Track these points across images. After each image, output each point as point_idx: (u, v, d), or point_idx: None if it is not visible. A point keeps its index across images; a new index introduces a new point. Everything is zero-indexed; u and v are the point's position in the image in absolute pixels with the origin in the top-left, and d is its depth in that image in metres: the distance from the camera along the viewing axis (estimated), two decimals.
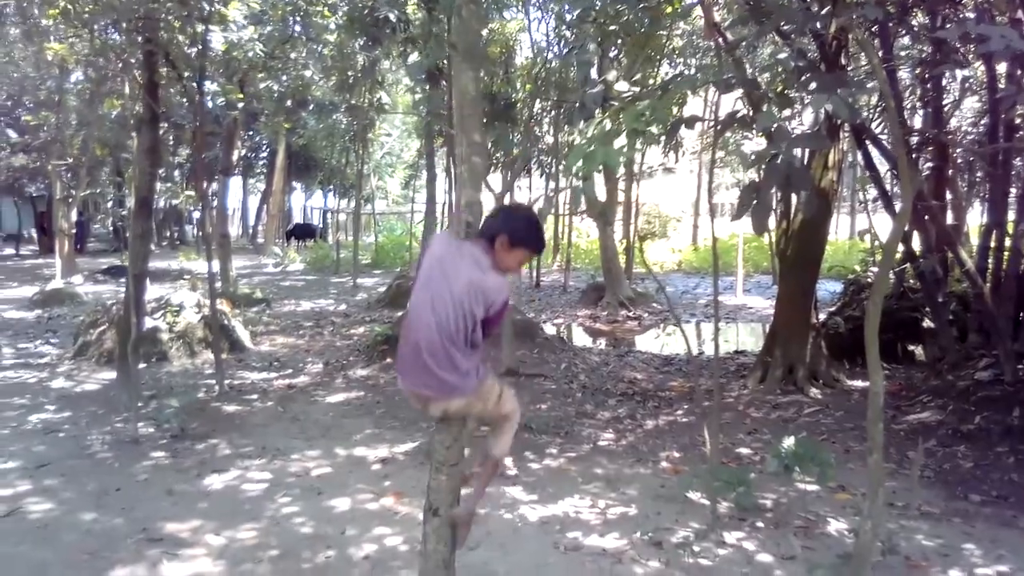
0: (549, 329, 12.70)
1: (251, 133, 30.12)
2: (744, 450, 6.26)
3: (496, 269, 2.83)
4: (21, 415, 7.37)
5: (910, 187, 3.93)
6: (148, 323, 10.12)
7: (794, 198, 8.26)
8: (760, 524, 4.73)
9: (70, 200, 19.24)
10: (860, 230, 28.71)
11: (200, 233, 30.37)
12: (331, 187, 35.13)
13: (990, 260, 8.21)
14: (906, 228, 6.88)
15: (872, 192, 13.88)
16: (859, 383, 8.47)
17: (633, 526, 4.67)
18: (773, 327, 8.97)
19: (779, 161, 4.48)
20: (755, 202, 4.89)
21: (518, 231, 2.81)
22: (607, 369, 9.62)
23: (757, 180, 4.93)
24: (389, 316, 13.31)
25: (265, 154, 35.17)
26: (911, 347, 9.40)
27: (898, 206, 9.47)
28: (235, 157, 17.26)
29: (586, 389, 8.42)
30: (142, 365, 9.57)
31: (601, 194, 15.80)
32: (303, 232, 32.91)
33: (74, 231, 22.26)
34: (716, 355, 5.36)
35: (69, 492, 5.30)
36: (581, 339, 12.76)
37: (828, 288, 14.06)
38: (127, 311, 7.51)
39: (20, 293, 17.24)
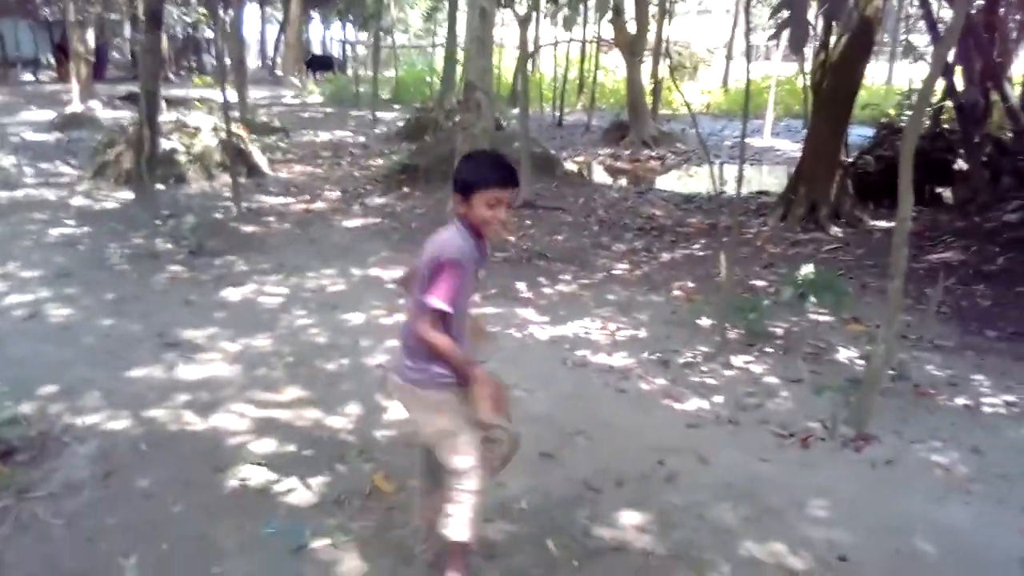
0: (570, 167, 12.47)
1: None
2: (758, 282, 6.22)
3: (464, 229, 2.31)
4: (41, 228, 7.44)
5: (963, 3, 3.62)
6: (165, 144, 10.00)
7: (834, 26, 7.76)
8: (769, 350, 4.75)
9: (85, 23, 18.61)
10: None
11: (216, 61, 29.61)
12: (350, 18, 33.69)
13: None
14: (950, 59, 6.46)
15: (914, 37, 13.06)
16: (882, 223, 8.29)
17: (641, 347, 4.71)
18: (800, 165, 8.72)
19: None
20: (788, 19, 4.60)
21: (463, 177, 2.32)
22: (626, 205, 9.49)
23: None
24: (408, 148, 13.09)
25: None
26: (940, 190, 9.10)
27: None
28: None
29: (603, 223, 8.33)
30: (160, 186, 9.56)
31: (631, 28, 15.01)
32: (321, 64, 31.87)
33: (92, 58, 21.73)
34: (740, 186, 5.21)
35: (88, 299, 5.40)
36: (601, 177, 12.54)
37: (860, 133, 13.58)
38: (141, 130, 7.38)
39: (39, 116, 17.07)
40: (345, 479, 3.15)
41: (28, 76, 29.88)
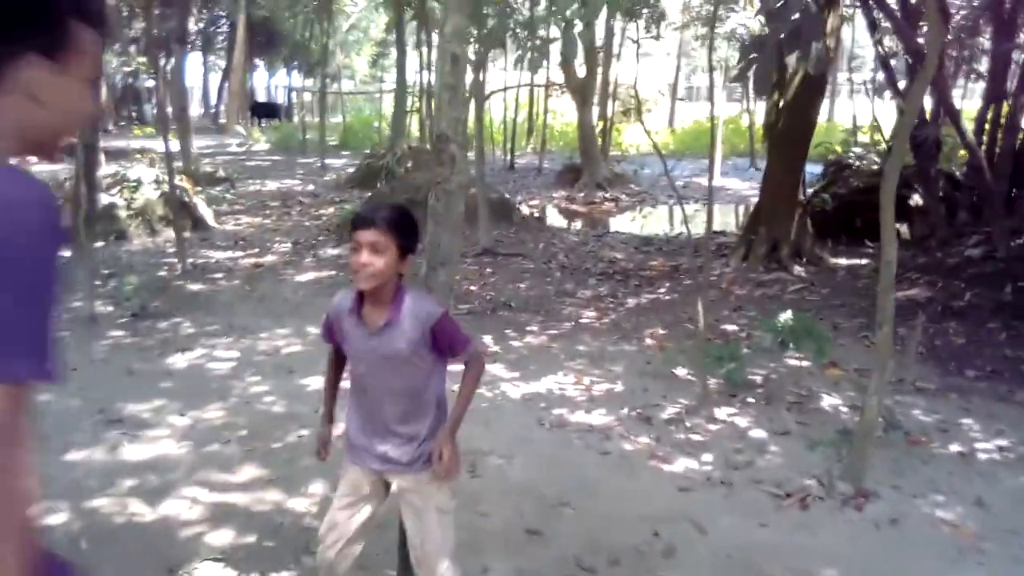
0: (524, 210, 12.35)
1: (208, 3, 28.37)
2: (730, 326, 6.09)
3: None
4: None
5: (937, 40, 3.56)
6: (105, 199, 9.59)
7: (789, 67, 7.81)
8: (751, 400, 4.58)
9: None
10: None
11: (157, 110, 29.06)
12: (295, 64, 33.57)
13: (984, 137, 7.92)
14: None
15: (860, 75, 13.38)
16: (843, 261, 8.31)
17: (620, 402, 4.50)
18: (758, 204, 8.71)
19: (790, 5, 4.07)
20: (757, 58, 4.52)
21: None
22: (586, 249, 9.36)
23: (759, 35, 4.52)
24: (359, 196, 12.83)
25: (224, 28, 33.31)
26: (897, 226, 9.19)
27: (900, 82, 9.08)
28: (191, 27, 16.14)
29: (565, 268, 8.17)
30: (100, 243, 9.11)
31: (580, 72, 15.10)
32: (266, 111, 31.58)
33: None
34: (709, 225, 5.09)
35: None
36: (558, 220, 12.44)
37: (809, 171, 13.80)
38: (78, 185, 6.99)
39: None
40: (312, 573, 2.84)
41: None
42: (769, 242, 8.17)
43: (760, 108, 23.96)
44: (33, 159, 1.29)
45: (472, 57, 8.44)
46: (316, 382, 4.83)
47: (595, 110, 18.40)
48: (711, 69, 6.44)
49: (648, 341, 5.72)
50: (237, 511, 3.27)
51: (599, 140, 16.60)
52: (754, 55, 4.33)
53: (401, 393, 2.17)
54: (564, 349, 5.48)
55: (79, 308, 6.33)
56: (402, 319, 2.09)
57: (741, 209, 13.46)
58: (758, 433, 4.13)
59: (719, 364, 4.67)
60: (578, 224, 12.17)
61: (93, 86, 1.24)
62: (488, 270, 7.81)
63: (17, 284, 0.98)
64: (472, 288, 7.02)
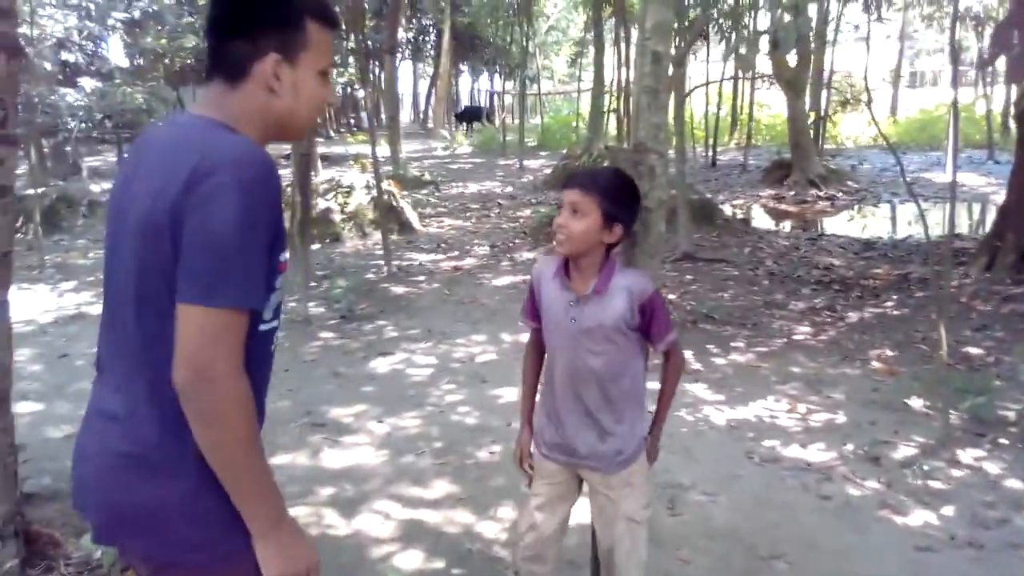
0: (727, 211, 11.71)
1: (417, 14, 29.74)
2: (974, 350, 5.29)
3: None
4: None
5: None
6: (321, 204, 10.21)
7: None
8: (1003, 441, 3.89)
9: None
10: None
11: (348, 117, 30.90)
12: (496, 68, 34.43)
13: None
14: None
15: None
16: None
17: (842, 437, 3.99)
18: (1005, 204, 7.61)
19: None
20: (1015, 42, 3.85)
21: None
22: (797, 254, 8.64)
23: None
24: (555, 198, 12.77)
25: (432, 36, 34.84)
26: None
27: None
28: (401, 37, 16.90)
29: (774, 276, 7.56)
30: (317, 246, 9.70)
31: (791, 60, 14.11)
32: (471, 114, 32.62)
33: None
34: (951, 227, 4.41)
35: None
36: (765, 222, 11.67)
37: None
38: (295, 191, 7.43)
39: None
40: None
41: None
42: (1018, 249, 7.10)
43: (999, 93, 21.39)
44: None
45: (673, 52, 8.06)
46: (508, 393, 4.74)
47: (808, 101, 17.20)
48: (954, 49, 5.62)
49: (875, 364, 5.09)
50: (427, 531, 3.21)
51: (812, 133, 15.45)
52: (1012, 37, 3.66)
53: (598, 376, 1.98)
54: (775, 369, 5.01)
55: (295, 309, 6.71)
56: (610, 290, 1.92)
57: (980, 209, 11.96)
58: (1014, 484, 3.49)
59: (964, 397, 4.02)
60: (788, 226, 11.34)
61: (326, 77, 1.41)
62: (688, 277, 7.40)
63: (239, 228, 1.18)
64: (671, 297, 6.66)
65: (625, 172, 1.97)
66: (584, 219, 1.87)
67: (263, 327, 1.35)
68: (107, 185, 15.32)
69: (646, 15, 1.90)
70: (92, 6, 11.32)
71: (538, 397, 2.18)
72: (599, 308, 1.92)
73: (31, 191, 9.76)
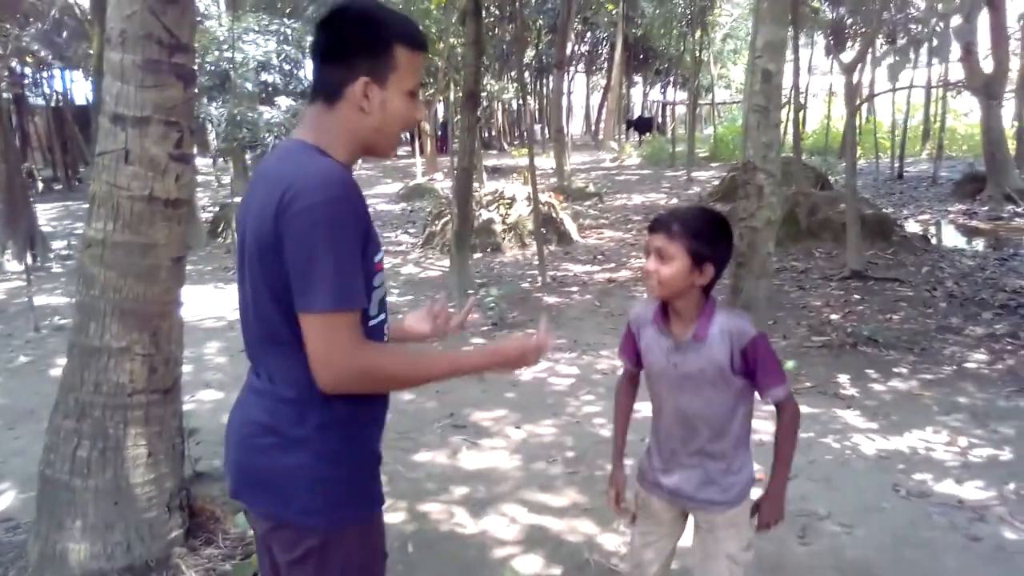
0: (911, 227, 10.91)
1: (587, 27, 29.97)
2: None
3: None
4: None
5: None
6: (484, 215, 10.59)
7: None
8: None
9: (431, 103, 20.87)
10: None
11: (521, 130, 31.46)
12: (669, 78, 34.00)
13: None
14: None
15: None
16: None
17: (1005, 475, 3.65)
18: None
19: None
20: None
21: None
22: (983, 275, 7.92)
23: None
24: (721, 211, 12.47)
25: (605, 49, 34.97)
26: None
27: None
28: (568, 51, 17.13)
29: (953, 298, 6.99)
30: (478, 255, 10.08)
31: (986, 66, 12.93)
32: (641, 125, 32.40)
33: (438, 133, 24.33)
34: None
35: None
36: (952, 239, 10.76)
37: None
38: (456, 203, 7.78)
39: (390, 189, 19.34)
40: None
41: None
42: None
43: None
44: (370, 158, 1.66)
45: (847, 58, 7.65)
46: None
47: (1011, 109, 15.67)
48: None
49: None
50: (549, 537, 3.28)
51: (1012, 144, 14.05)
52: None
53: (701, 419, 1.94)
54: (939, 399, 4.65)
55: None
56: (710, 336, 1.88)
57: None
58: None
59: None
60: (978, 244, 10.40)
61: (414, 97, 1.55)
62: (855, 296, 7.00)
63: (328, 242, 1.36)
64: (832, 317, 6.34)
65: (711, 209, 1.92)
66: (671, 264, 1.83)
67: (372, 322, 1.54)
68: None
69: (756, 32, 1.88)
70: (289, 32, 12.37)
71: (647, 437, 2.16)
72: (699, 354, 1.88)
73: (233, 199, 10.77)
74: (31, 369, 5.89)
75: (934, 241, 10.05)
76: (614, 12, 24.02)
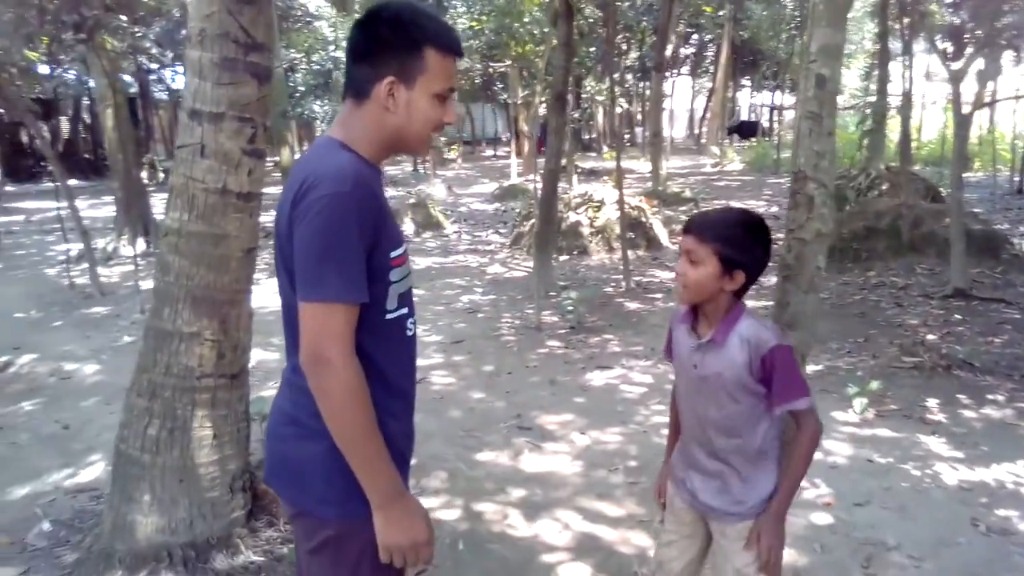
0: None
1: (693, 29, 29.42)
2: None
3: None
4: (456, 295, 8.24)
5: None
6: (572, 217, 10.56)
7: None
8: None
9: (530, 104, 20.94)
10: None
11: (621, 133, 31.09)
12: (776, 83, 32.98)
13: None
14: None
15: None
16: None
17: None
18: None
19: None
20: None
21: None
22: None
23: None
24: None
25: (711, 52, 34.28)
26: None
27: None
28: (672, 53, 16.86)
29: None
30: (565, 257, 10.07)
31: None
32: (745, 130, 31.61)
33: (537, 133, 24.42)
34: None
35: (469, 369, 5.69)
36: None
37: None
38: (540, 205, 7.78)
39: (485, 189, 19.56)
40: None
41: (489, 152, 34.84)
42: None
43: None
44: (400, 157, 1.70)
45: (956, 65, 7.22)
46: None
47: None
48: None
49: None
50: (600, 547, 3.24)
51: None
52: None
53: (718, 427, 1.89)
54: None
55: (530, 316, 7.03)
56: (729, 340, 1.82)
57: None
58: None
59: None
60: None
61: (446, 100, 1.57)
62: (956, 316, 6.60)
63: (332, 234, 1.40)
64: (928, 337, 6.00)
65: (749, 212, 1.85)
66: (700, 267, 1.79)
67: (389, 316, 1.56)
68: (395, 192, 17.04)
69: (812, 36, 1.80)
70: None
71: None
72: (718, 358, 1.83)
73: None
74: (133, 349, 6.21)
75: None
76: (721, 14, 23.52)
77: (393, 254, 1.53)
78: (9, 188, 21.24)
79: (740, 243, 1.79)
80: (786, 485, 1.86)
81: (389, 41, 1.50)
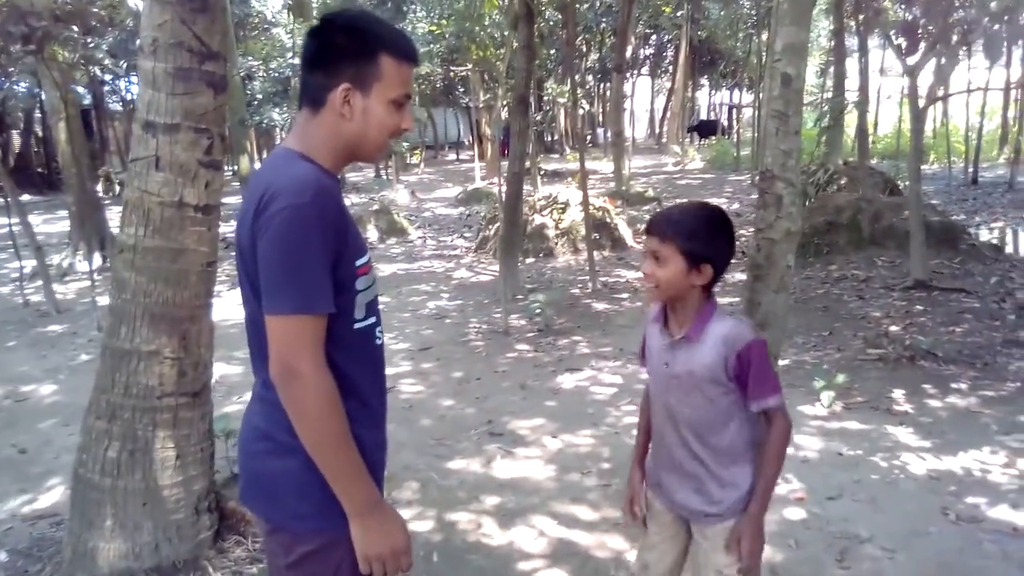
0: (982, 235, 10.43)
1: (652, 30, 29.66)
2: None
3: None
4: (423, 301, 8.18)
5: None
6: (537, 220, 10.56)
7: None
8: None
9: (492, 108, 20.94)
10: None
11: (583, 134, 31.26)
12: (735, 81, 33.39)
13: None
14: None
15: None
16: None
17: None
18: None
19: None
20: None
21: None
22: None
23: None
24: None
25: (670, 52, 34.59)
26: None
27: None
28: (632, 54, 16.96)
29: (1023, 311, 6.64)
30: (531, 260, 10.06)
31: None
32: (705, 128, 31.95)
33: (500, 137, 24.40)
34: None
35: (438, 376, 5.64)
36: None
37: None
38: (505, 208, 7.75)
39: (449, 193, 19.49)
40: None
41: (452, 156, 34.77)
42: None
43: None
44: (357, 164, 1.69)
45: (912, 59, 7.34)
46: None
47: None
48: None
49: None
50: (577, 552, 3.22)
51: None
52: None
53: (690, 426, 1.87)
54: (999, 418, 4.40)
55: (498, 320, 7.00)
56: (704, 337, 1.80)
57: None
58: None
59: None
60: None
61: (402, 107, 1.54)
62: (917, 307, 6.71)
63: (295, 246, 1.36)
64: (892, 328, 6.09)
65: (708, 205, 1.84)
66: (667, 266, 1.77)
67: (358, 325, 1.54)
68: (358, 199, 16.91)
69: (776, 35, 1.80)
70: None
71: None
72: (690, 355, 1.82)
73: None
74: (91, 368, 6.05)
75: (1008, 250, 9.56)
76: (679, 15, 23.73)
77: (358, 263, 1.50)
78: None
79: (702, 236, 1.78)
80: (762, 485, 1.84)
81: (344, 48, 1.48)
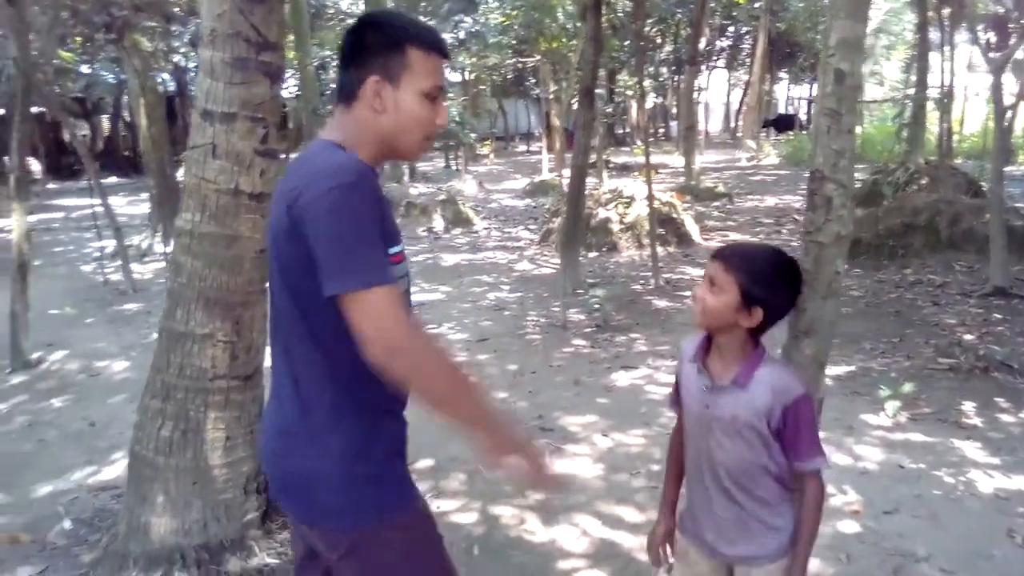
0: None
1: (729, 22, 29.01)
2: None
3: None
4: (483, 292, 8.21)
5: None
6: (602, 213, 10.46)
7: None
8: None
9: (561, 99, 20.84)
10: None
11: (656, 127, 30.76)
12: (813, 75, 32.37)
13: None
14: None
15: None
16: None
17: None
18: None
19: None
20: None
21: None
22: None
23: None
24: (859, 215, 11.73)
25: (747, 44, 33.78)
26: None
27: None
28: (707, 46, 16.63)
29: None
30: (594, 254, 9.98)
31: None
32: (781, 123, 31.10)
33: (568, 128, 24.31)
34: None
35: (493, 368, 5.65)
36: None
37: None
38: (567, 201, 7.70)
39: (517, 184, 19.50)
40: None
41: (522, 147, 34.79)
42: None
43: None
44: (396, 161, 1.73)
45: (996, 55, 6.95)
46: None
47: None
48: None
49: None
50: (618, 553, 3.18)
51: None
52: None
53: (728, 471, 1.79)
54: None
55: (556, 314, 6.96)
56: (752, 383, 1.73)
57: None
58: None
59: None
60: None
61: (436, 101, 1.56)
62: (995, 316, 6.39)
63: (350, 222, 1.36)
64: (966, 337, 5.82)
65: (784, 253, 1.77)
66: (720, 295, 1.72)
67: None
68: (426, 188, 17.07)
69: (831, 28, 1.71)
70: None
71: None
72: (735, 400, 1.74)
73: None
74: None
75: None
76: (756, 5, 23.15)
77: (392, 251, 1.50)
78: (51, 185, 21.74)
79: (765, 280, 1.72)
80: (801, 552, 1.77)
81: (372, 42, 1.52)
